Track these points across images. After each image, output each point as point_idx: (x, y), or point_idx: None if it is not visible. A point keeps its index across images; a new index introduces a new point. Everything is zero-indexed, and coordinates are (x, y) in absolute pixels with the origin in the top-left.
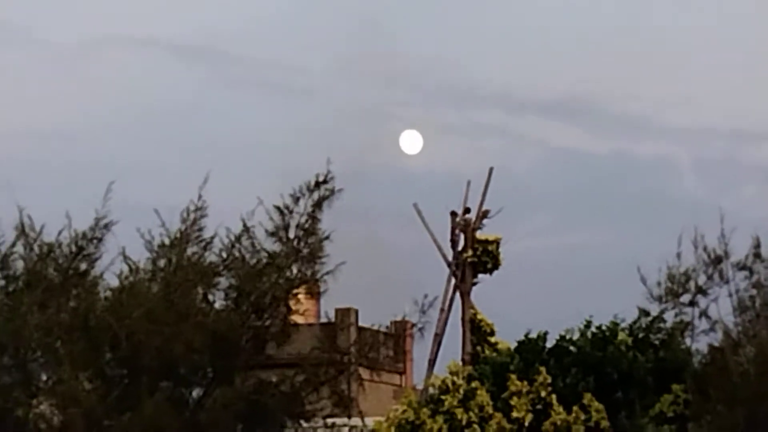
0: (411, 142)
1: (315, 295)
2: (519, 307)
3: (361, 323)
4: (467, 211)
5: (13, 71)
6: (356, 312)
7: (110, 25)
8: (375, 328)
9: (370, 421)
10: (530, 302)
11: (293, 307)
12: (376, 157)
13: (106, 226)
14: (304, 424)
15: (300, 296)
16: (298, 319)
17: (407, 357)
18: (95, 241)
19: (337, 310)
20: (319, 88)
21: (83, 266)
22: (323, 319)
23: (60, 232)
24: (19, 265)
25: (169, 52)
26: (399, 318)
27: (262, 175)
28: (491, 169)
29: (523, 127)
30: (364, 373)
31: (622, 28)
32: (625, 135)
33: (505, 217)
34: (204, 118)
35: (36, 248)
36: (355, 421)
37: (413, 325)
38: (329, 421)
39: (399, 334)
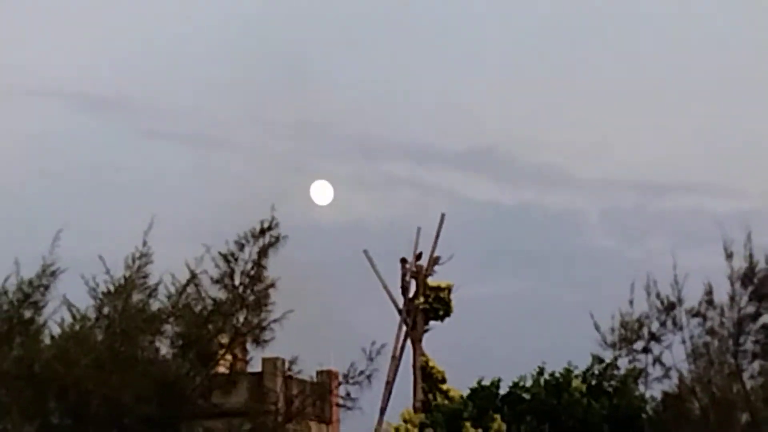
0: (322, 193)
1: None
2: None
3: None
4: (419, 257)
5: None
6: (283, 361)
7: (13, 76)
8: (302, 377)
9: None
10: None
11: (239, 356)
12: (287, 207)
13: (53, 273)
14: None
15: (247, 345)
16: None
17: (333, 406)
18: (42, 288)
19: (264, 360)
20: (231, 137)
21: (28, 314)
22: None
23: (6, 279)
24: None
25: (74, 102)
26: (325, 368)
27: (184, 226)
28: (443, 215)
29: (432, 178)
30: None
31: (531, 78)
32: (533, 186)
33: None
34: (112, 170)
35: None
36: None
37: (363, 372)
38: None
39: (324, 382)
